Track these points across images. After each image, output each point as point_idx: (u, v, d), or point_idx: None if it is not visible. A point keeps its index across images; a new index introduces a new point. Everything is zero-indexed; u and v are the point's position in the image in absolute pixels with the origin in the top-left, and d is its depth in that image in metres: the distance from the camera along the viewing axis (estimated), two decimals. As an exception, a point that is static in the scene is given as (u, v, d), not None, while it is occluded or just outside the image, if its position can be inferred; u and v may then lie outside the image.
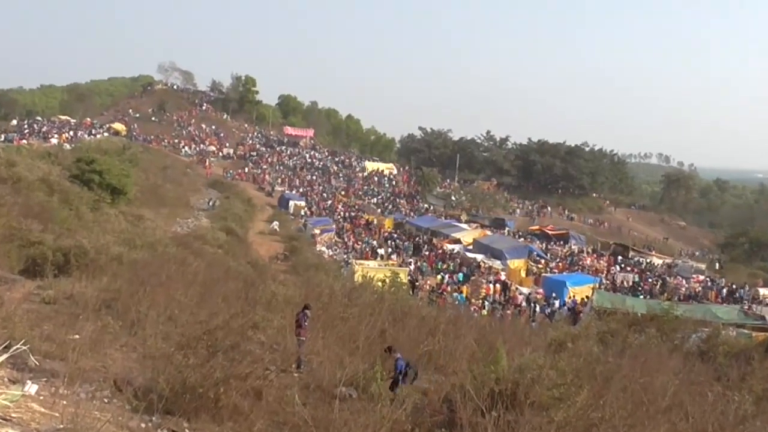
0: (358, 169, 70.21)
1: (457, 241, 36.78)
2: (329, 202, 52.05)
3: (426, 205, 57.67)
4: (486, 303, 22.75)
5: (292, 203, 45.71)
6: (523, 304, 23.81)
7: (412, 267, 29.23)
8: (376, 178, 67.20)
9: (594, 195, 78.59)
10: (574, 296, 23.71)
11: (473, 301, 23.07)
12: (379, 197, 58.74)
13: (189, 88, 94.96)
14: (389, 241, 37.16)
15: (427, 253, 32.88)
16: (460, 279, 28.61)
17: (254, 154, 67.92)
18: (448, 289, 25.64)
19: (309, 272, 20.73)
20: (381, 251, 33.68)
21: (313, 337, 9.50)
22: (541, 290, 25.81)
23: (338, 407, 6.38)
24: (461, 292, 24.87)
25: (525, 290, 26.15)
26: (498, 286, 25.65)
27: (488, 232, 42.18)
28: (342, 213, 47.84)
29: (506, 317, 20.33)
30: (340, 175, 66.26)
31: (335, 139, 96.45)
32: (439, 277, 28.36)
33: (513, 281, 27.92)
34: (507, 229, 48.83)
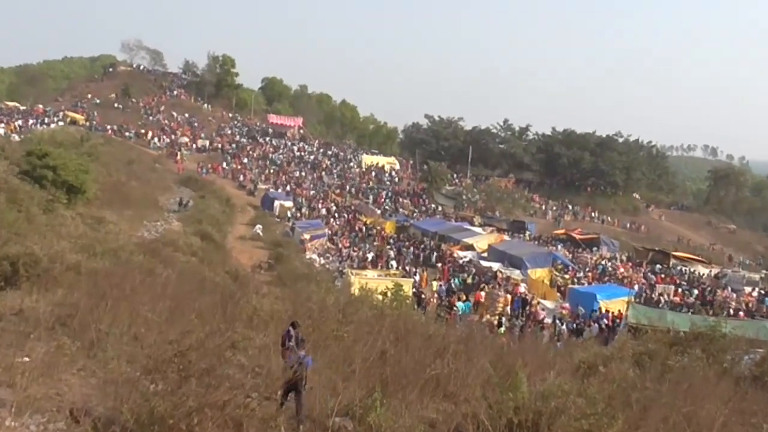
0: (354, 164, 70.70)
1: (470, 248, 36.95)
2: (321, 202, 52.32)
3: (433, 206, 58.15)
4: (503, 319, 22.75)
5: (277, 204, 45.98)
6: (547, 320, 23.88)
7: (417, 278, 29.34)
8: (375, 174, 67.51)
9: (629, 194, 78.76)
10: (605, 311, 23.73)
11: (488, 317, 23.03)
12: (379, 196, 59.01)
13: (158, 69, 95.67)
14: (390, 248, 37.34)
15: (438, 264, 32.97)
16: (459, 284, 28.89)
17: (234, 146, 68.16)
18: (441, 297, 26.09)
19: (297, 284, 20.62)
20: (393, 260, 33.79)
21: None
22: (567, 304, 25.88)
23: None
24: (465, 300, 25.16)
25: (548, 304, 26.29)
26: (516, 299, 25.86)
27: (506, 237, 42.77)
28: (336, 215, 48.01)
29: (527, 335, 20.05)
30: (334, 170, 66.60)
31: (328, 129, 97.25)
32: (435, 284, 28.63)
33: (534, 294, 28.00)
34: (527, 233, 49.29)
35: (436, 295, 26.76)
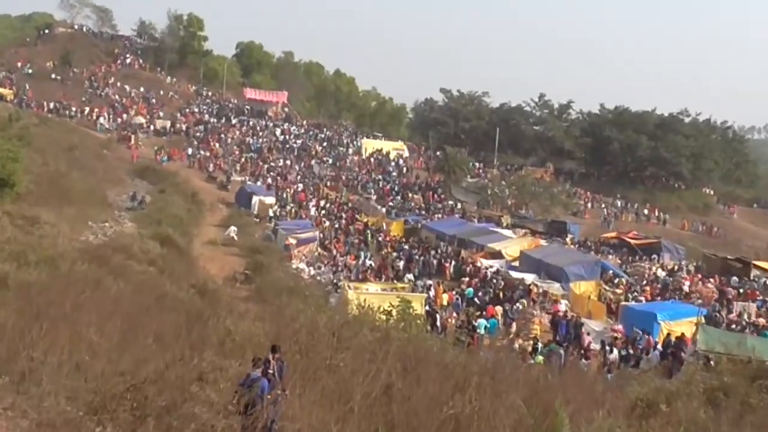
0: (352, 150, 70.69)
1: (497, 255, 36.69)
2: (311, 198, 52.34)
3: (451, 203, 58.02)
4: (539, 344, 22.53)
5: (256, 200, 45.87)
6: (594, 345, 23.74)
7: (431, 292, 29.24)
8: (378, 163, 67.52)
9: (698, 187, 78.55)
10: (668, 335, 23.39)
11: (521, 342, 23.03)
12: (383, 191, 59.01)
13: (106, 32, 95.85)
14: (398, 255, 37.24)
15: (466, 277, 32.87)
16: (470, 295, 29.03)
17: (202, 128, 68.41)
18: (458, 313, 26.19)
19: (281, 300, 20.82)
20: (400, 270, 33.79)
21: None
22: (619, 326, 25.62)
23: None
24: (488, 316, 25.38)
25: (596, 326, 26.06)
26: (563, 322, 25.54)
27: (542, 242, 42.26)
28: (329, 214, 48.02)
29: (569, 365, 20.09)
30: (327, 158, 66.60)
31: (319, 107, 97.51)
32: (445, 297, 28.94)
33: (578, 312, 27.83)
34: (570, 236, 48.92)
35: (454, 314, 26.91)
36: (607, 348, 22.52)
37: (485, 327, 24.56)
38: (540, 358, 21.03)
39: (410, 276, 32.77)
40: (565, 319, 25.49)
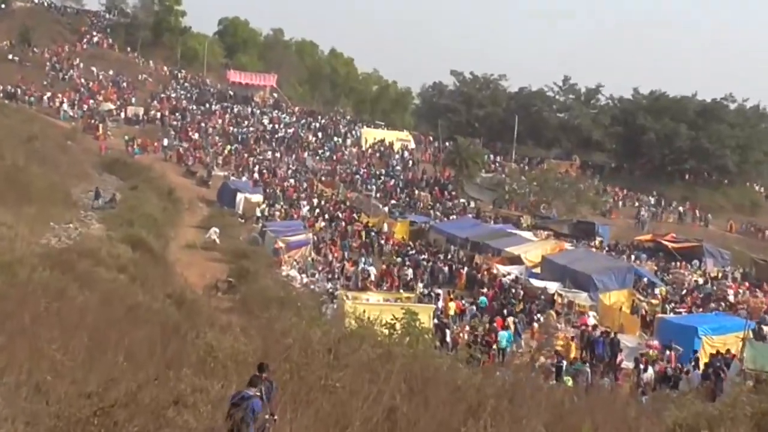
0: (350, 141, 70.54)
1: (516, 260, 36.57)
2: (303, 195, 52.18)
3: (463, 201, 57.94)
4: (563, 362, 22.53)
5: (241, 197, 45.74)
6: (626, 363, 23.80)
7: (440, 303, 29.23)
8: (380, 156, 67.30)
9: (744, 183, 78.24)
10: (712, 351, 23.53)
11: (542, 359, 23.14)
12: (386, 187, 58.76)
13: (70, 7, 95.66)
14: (402, 261, 37.13)
15: (484, 288, 32.78)
16: (483, 304, 29.16)
17: (179, 116, 68.24)
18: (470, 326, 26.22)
19: (269, 311, 20.50)
20: (406, 278, 33.68)
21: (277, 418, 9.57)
22: (655, 341, 25.66)
23: None
24: (502, 327, 25.55)
25: (629, 341, 26.15)
26: (599, 339, 25.48)
27: (567, 245, 42.19)
28: (324, 214, 47.72)
29: (597, 386, 20.26)
30: (322, 150, 66.44)
31: (313, 92, 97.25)
32: (452, 306, 29.05)
33: (609, 326, 27.81)
34: (598, 239, 48.98)
35: (467, 327, 26.88)
36: (641, 366, 22.42)
37: (503, 339, 24.71)
38: (568, 379, 21.16)
39: (420, 286, 32.64)
40: (601, 337, 25.32)
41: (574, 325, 28.18)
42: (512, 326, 26.32)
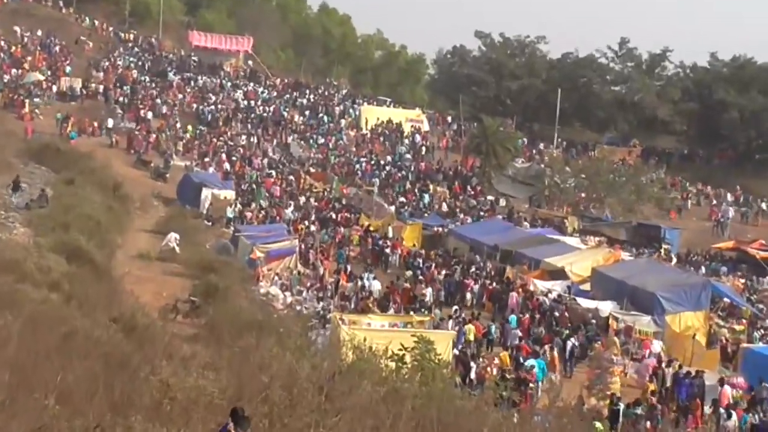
0: (346, 122, 66.92)
1: (559, 274, 34.73)
2: (287, 191, 49.40)
3: (491, 198, 54.22)
4: (620, 403, 21.08)
5: (207, 193, 43.17)
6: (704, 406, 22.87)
7: (464, 328, 27.59)
8: (385, 141, 64.10)
9: None
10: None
11: (592, 400, 22.35)
12: (393, 180, 55.27)
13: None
14: (414, 273, 35.28)
15: (517, 311, 30.80)
16: (513, 324, 28.36)
17: (128, 89, 63.97)
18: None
19: (243, 339, 19.18)
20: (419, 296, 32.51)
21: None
22: (740, 378, 25.11)
23: None
24: (536, 354, 25.04)
25: (706, 377, 24.69)
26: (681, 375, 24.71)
27: (624, 255, 40.33)
28: (314, 214, 45.17)
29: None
30: (312, 134, 62.59)
31: (299, 59, 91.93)
32: (471, 329, 27.81)
33: (678, 357, 26.44)
34: (665, 246, 46.42)
35: (496, 360, 25.20)
36: (722, 411, 21.52)
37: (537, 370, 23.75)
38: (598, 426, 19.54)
39: (438, 311, 30.67)
40: (687, 378, 24.08)
41: (634, 357, 26.81)
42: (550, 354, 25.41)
